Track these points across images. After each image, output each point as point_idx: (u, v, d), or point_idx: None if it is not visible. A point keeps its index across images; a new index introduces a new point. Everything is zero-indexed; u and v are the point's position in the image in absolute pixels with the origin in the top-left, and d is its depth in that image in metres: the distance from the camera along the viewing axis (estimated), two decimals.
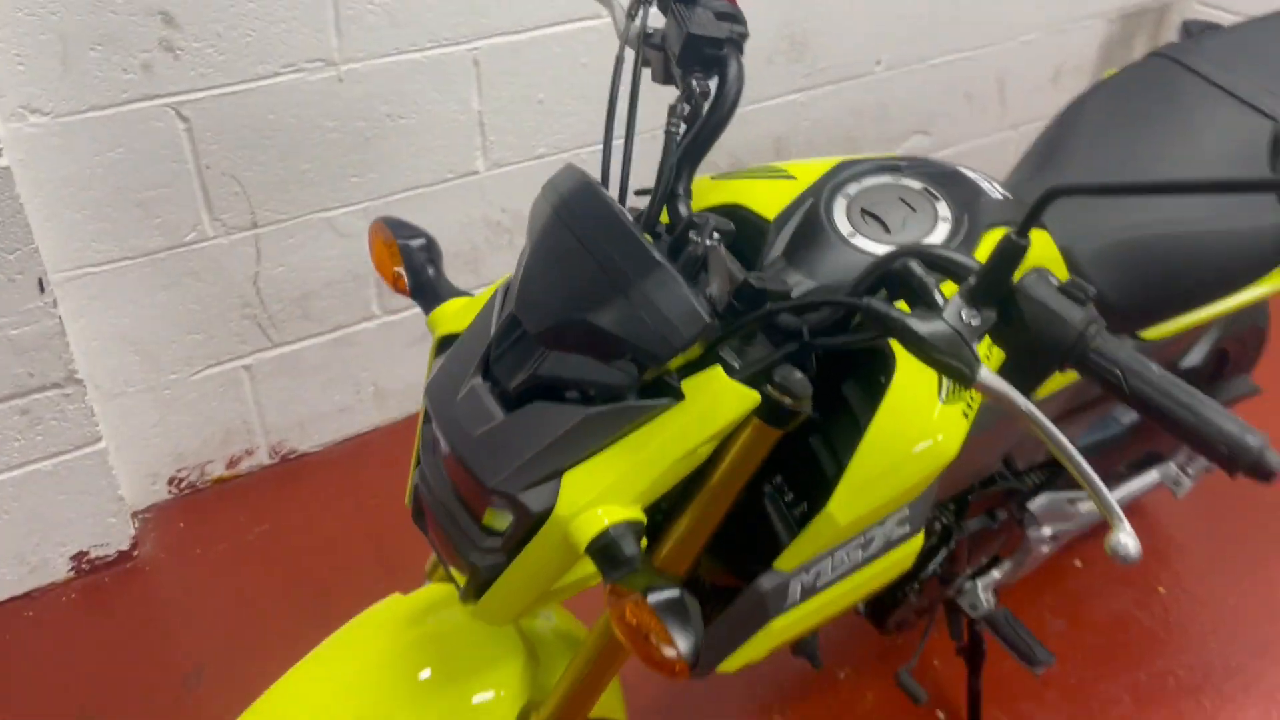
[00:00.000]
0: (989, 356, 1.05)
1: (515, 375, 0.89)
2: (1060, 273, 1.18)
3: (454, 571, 1.04)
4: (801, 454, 1.04)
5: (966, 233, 1.08)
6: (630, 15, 1.08)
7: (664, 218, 1.02)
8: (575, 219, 0.88)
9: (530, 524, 0.89)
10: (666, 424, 0.89)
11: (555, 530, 0.88)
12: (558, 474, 0.88)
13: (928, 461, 1.00)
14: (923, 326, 0.77)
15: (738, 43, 1.04)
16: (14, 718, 1.73)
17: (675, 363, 0.89)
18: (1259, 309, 1.72)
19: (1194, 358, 1.63)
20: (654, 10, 1.08)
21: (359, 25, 1.83)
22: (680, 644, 0.78)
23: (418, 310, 2.19)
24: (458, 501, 0.95)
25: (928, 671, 1.81)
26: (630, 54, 1.05)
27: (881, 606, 1.44)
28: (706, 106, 1.02)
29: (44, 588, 1.94)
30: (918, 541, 1.08)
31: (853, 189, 1.12)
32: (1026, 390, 0.79)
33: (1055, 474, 1.55)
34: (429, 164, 2.04)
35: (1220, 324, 1.64)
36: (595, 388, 0.88)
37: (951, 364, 0.76)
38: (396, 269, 1.10)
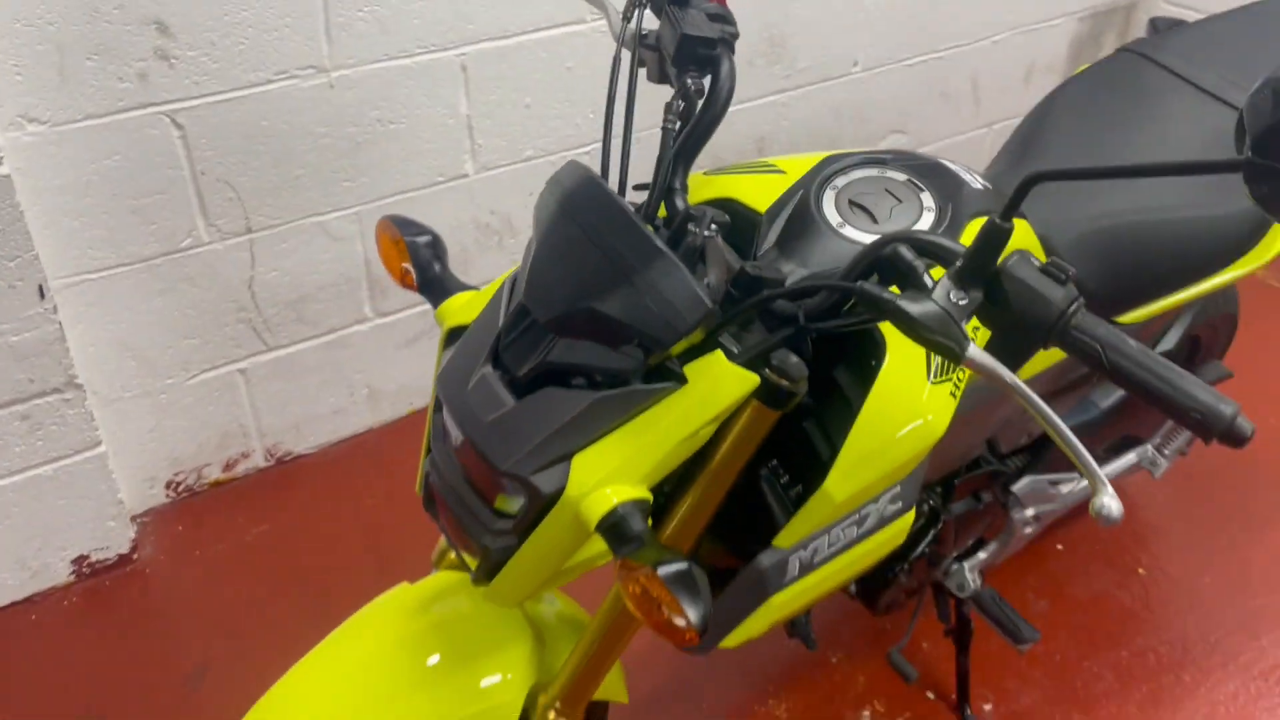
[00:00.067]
0: (976, 335, 1.09)
1: (525, 363, 0.93)
2: (1041, 257, 1.23)
3: (465, 556, 1.08)
4: (795, 438, 1.09)
5: (950, 221, 1.12)
6: (626, 18, 1.12)
7: (661, 212, 1.06)
8: (580, 212, 0.92)
9: (541, 505, 0.93)
10: (671, 407, 0.93)
11: (566, 510, 0.92)
12: (567, 456, 0.92)
13: (918, 440, 1.05)
14: (914, 307, 0.80)
15: (729, 42, 1.08)
16: None
17: (678, 348, 0.94)
18: (1229, 296, 1.78)
19: (1167, 343, 1.68)
20: (648, 13, 1.12)
21: (349, 32, 1.86)
22: (690, 613, 0.82)
23: (410, 312, 2.23)
24: (469, 487, 0.99)
25: (917, 652, 1.86)
26: (627, 55, 1.10)
27: (873, 588, 1.48)
28: (701, 104, 1.06)
29: (45, 592, 1.96)
30: (909, 518, 1.13)
31: (840, 181, 1.16)
32: (1011, 367, 0.84)
33: (1037, 457, 1.60)
34: (419, 168, 2.07)
35: (1192, 311, 1.69)
36: (602, 373, 0.91)
37: (942, 342, 0.80)
38: (404, 265, 1.13)
